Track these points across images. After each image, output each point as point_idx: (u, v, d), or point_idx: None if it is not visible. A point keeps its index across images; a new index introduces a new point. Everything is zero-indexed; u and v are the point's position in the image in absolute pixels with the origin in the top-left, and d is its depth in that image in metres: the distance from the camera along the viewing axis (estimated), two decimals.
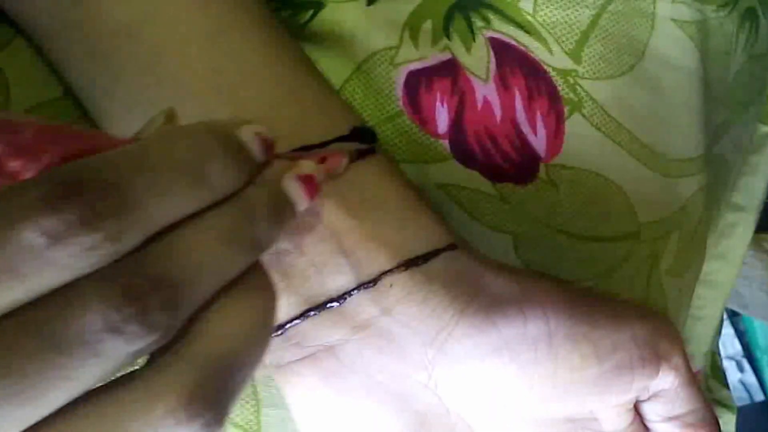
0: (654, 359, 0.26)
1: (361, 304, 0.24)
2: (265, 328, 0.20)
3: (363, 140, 0.26)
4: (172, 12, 0.24)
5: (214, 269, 0.18)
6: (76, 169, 0.16)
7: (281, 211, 0.21)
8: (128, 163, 0.17)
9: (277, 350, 0.25)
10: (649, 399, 0.27)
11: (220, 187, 0.19)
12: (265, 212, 0.20)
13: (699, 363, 0.40)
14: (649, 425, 0.27)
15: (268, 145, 0.21)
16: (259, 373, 0.27)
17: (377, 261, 0.24)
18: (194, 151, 0.18)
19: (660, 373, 0.26)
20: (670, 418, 0.27)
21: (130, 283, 0.16)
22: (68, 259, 0.16)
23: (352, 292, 0.24)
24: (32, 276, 0.15)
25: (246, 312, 0.19)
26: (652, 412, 0.27)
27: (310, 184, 0.22)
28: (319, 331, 0.25)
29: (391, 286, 0.24)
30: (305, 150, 0.24)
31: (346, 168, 0.25)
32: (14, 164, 0.17)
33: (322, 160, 0.24)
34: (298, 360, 0.25)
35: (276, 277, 0.24)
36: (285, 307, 0.24)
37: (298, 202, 0.21)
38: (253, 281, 0.20)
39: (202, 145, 0.19)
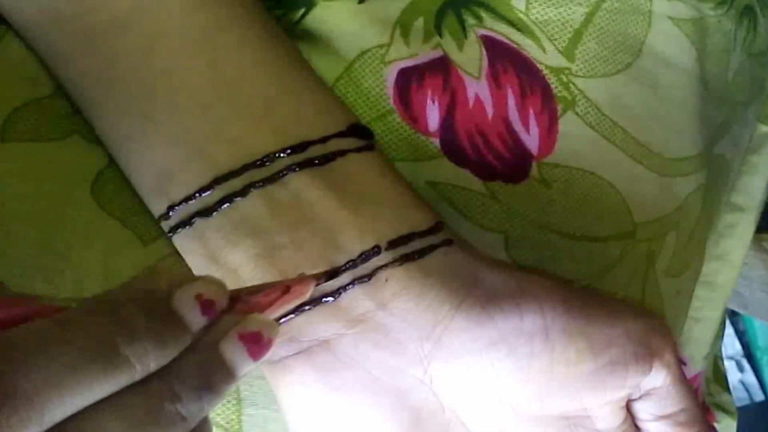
0: (646, 356, 0.26)
1: (357, 299, 0.24)
2: None
3: (361, 136, 0.26)
4: (167, 6, 0.24)
5: None
6: None
7: (214, 381, 0.19)
8: (29, 347, 0.16)
9: None
10: (641, 397, 0.27)
11: (142, 369, 0.18)
12: (194, 386, 0.18)
13: (699, 366, 0.39)
14: (641, 425, 0.27)
15: (211, 305, 0.19)
16: None
17: (372, 256, 0.24)
18: (112, 331, 0.17)
19: (652, 370, 0.26)
20: (662, 417, 0.27)
21: None
22: None
23: (347, 287, 0.24)
24: None
25: None
26: (643, 410, 0.27)
27: (256, 342, 0.20)
28: (314, 325, 0.25)
29: (387, 280, 0.24)
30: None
31: (344, 163, 0.25)
32: None
33: (286, 290, 0.22)
34: (292, 355, 0.25)
35: (271, 272, 0.24)
36: None
37: (238, 366, 0.19)
38: None
39: (123, 323, 0.17)
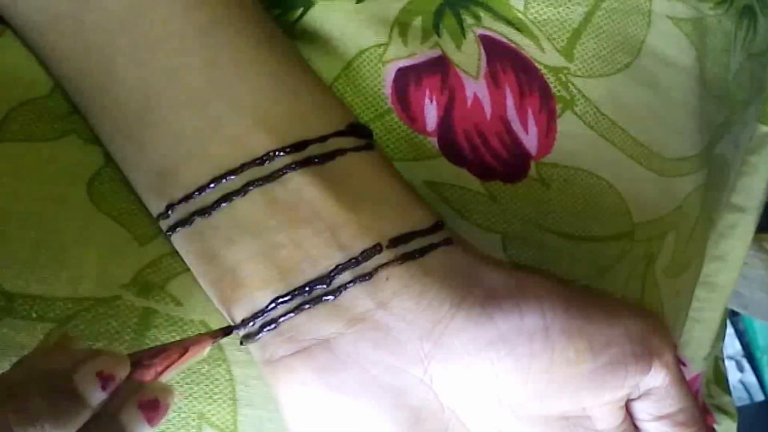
0: (646, 356, 0.26)
1: (357, 298, 0.24)
2: None
3: (360, 136, 0.26)
4: (164, 6, 0.24)
5: None
6: None
7: None
8: None
9: (269, 345, 0.25)
10: (640, 397, 0.27)
11: None
12: None
13: (699, 367, 0.39)
14: (640, 425, 0.27)
15: (111, 380, 0.20)
16: (238, 372, 0.27)
17: (373, 254, 0.24)
18: (8, 417, 0.18)
19: (651, 370, 0.26)
20: (660, 417, 0.27)
21: None
22: None
23: (347, 285, 0.24)
24: None
25: None
26: (642, 410, 0.27)
27: (153, 409, 0.21)
28: (313, 324, 0.25)
29: (387, 279, 0.24)
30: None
31: (343, 162, 0.25)
32: None
33: (185, 351, 0.23)
34: (291, 354, 0.25)
35: (271, 271, 0.24)
36: (279, 301, 0.25)
37: (137, 430, 0.21)
38: None
39: (21, 407, 0.18)
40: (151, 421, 0.21)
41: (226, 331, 0.25)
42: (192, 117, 0.24)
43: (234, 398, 0.26)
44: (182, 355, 0.23)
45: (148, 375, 0.22)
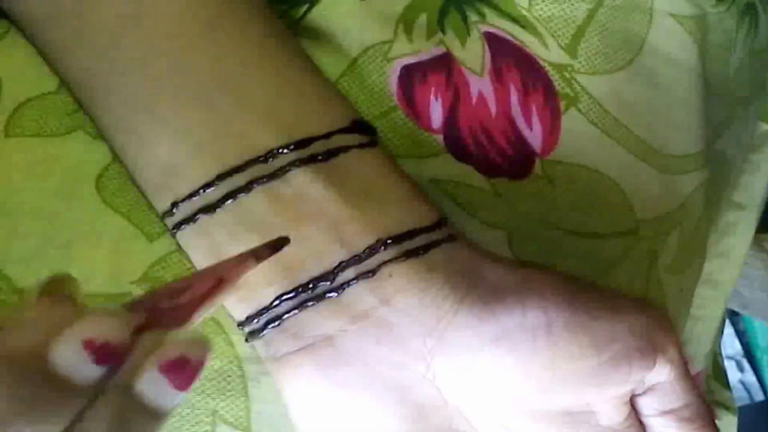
0: (650, 351, 0.26)
1: (360, 294, 0.25)
2: None
3: (363, 132, 0.26)
4: (170, 2, 0.24)
5: None
6: None
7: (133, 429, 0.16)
8: None
9: (274, 342, 0.25)
10: (644, 393, 0.27)
11: None
12: None
13: (700, 364, 0.39)
14: (645, 420, 0.27)
15: (108, 350, 0.15)
16: (250, 368, 0.27)
17: (376, 251, 0.25)
18: None
19: (656, 365, 0.26)
20: (666, 412, 0.27)
21: None
22: None
23: (350, 282, 0.24)
24: None
25: None
26: (647, 406, 0.27)
27: (181, 370, 0.16)
28: (317, 321, 0.25)
29: (390, 276, 0.25)
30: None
31: (347, 159, 0.25)
32: None
33: (219, 283, 0.18)
34: (295, 351, 0.25)
35: (275, 268, 0.24)
36: (284, 298, 0.25)
37: (164, 404, 0.16)
38: None
39: None
40: (180, 386, 0.16)
41: (277, 246, 0.20)
42: (197, 114, 0.24)
43: (247, 395, 0.26)
44: (215, 286, 0.17)
45: (172, 320, 0.17)
